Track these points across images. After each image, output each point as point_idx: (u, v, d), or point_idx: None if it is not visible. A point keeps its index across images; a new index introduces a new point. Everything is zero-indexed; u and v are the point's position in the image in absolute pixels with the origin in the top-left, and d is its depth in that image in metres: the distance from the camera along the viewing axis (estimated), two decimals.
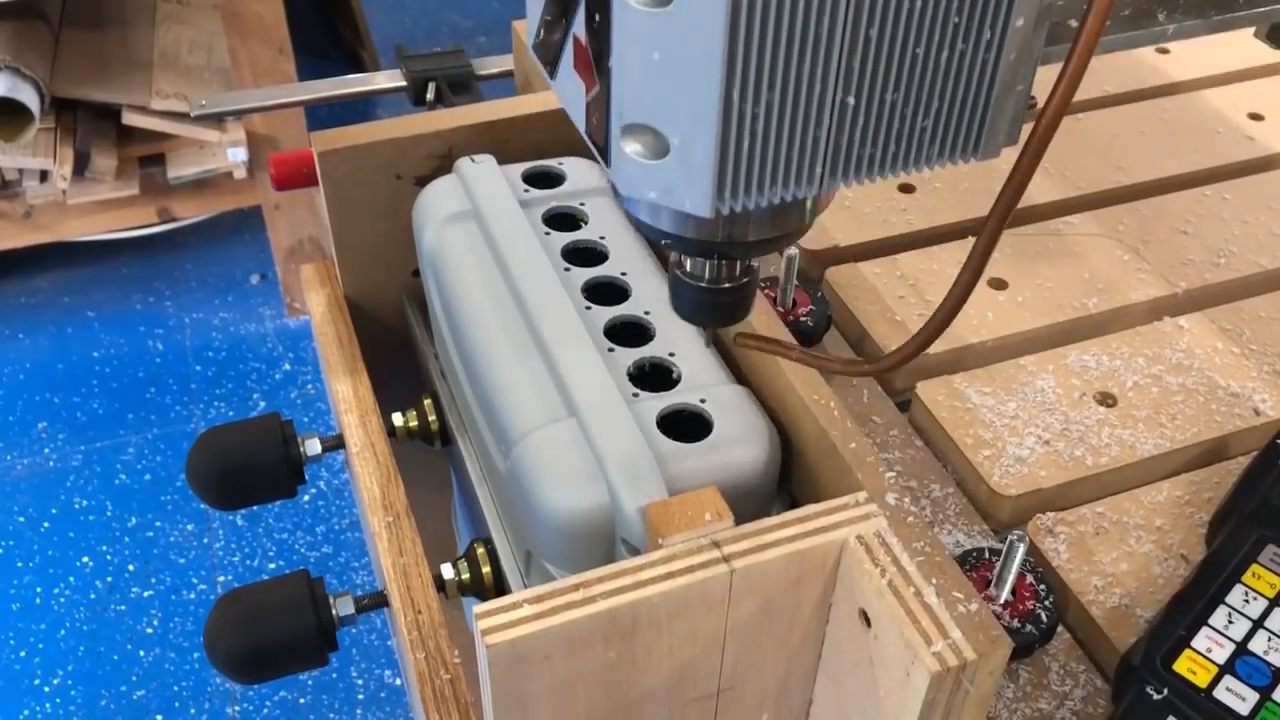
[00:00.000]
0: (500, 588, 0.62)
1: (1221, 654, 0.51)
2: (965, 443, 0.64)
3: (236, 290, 2.13)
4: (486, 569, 0.62)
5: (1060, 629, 0.57)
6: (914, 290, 0.74)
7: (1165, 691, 0.50)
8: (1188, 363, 0.69)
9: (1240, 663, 0.50)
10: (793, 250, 0.67)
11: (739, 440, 0.55)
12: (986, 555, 0.57)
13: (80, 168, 1.95)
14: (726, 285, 0.49)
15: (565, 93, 0.42)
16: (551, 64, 0.43)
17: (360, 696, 1.58)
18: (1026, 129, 0.40)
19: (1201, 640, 0.51)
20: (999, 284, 0.74)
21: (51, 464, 1.84)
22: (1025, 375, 0.68)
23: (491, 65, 0.94)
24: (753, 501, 0.55)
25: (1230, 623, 0.52)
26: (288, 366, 2.00)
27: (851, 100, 0.38)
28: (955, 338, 0.71)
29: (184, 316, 2.08)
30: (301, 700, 1.57)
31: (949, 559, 0.48)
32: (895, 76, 0.38)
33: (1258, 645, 0.51)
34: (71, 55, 1.96)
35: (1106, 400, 0.67)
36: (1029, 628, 0.54)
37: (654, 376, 0.59)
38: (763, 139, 0.38)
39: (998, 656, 0.45)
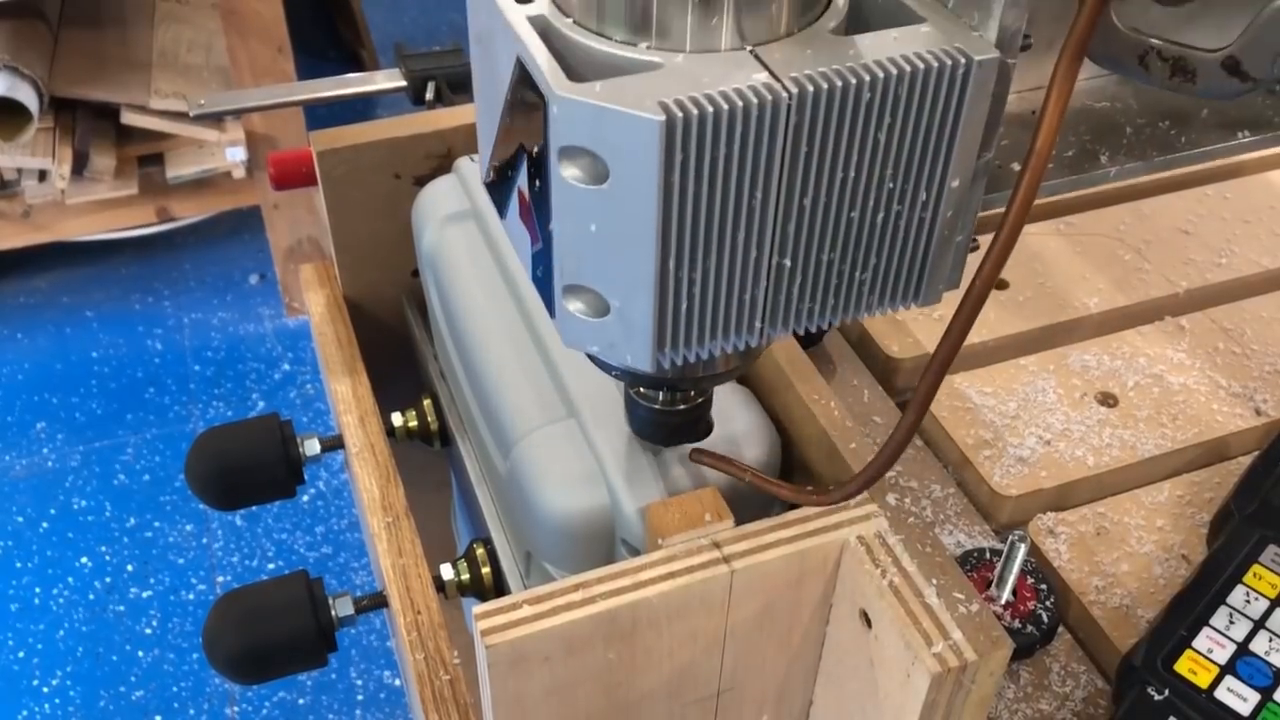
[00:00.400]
0: (500, 588, 0.61)
1: (1223, 654, 0.51)
2: (966, 443, 0.64)
3: (235, 290, 2.13)
4: (486, 570, 0.62)
5: (1061, 629, 0.57)
6: None
7: (1166, 692, 0.50)
8: (1188, 363, 0.69)
9: (1241, 663, 0.50)
10: None
11: (739, 440, 0.55)
12: (987, 556, 0.57)
13: (79, 167, 1.95)
14: (681, 408, 0.49)
15: (514, 236, 0.43)
16: (502, 206, 0.43)
17: (359, 697, 1.58)
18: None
19: (1202, 641, 0.51)
20: (999, 284, 0.74)
21: (50, 464, 1.84)
22: (1026, 375, 0.68)
23: None
24: (753, 502, 0.55)
25: (1231, 623, 0.52)
26: (287, 366, 2.00)
27: (788, 263, 0.39)
28: None
29: (183, 316, 2.08)
30: (301, 701, 1.57)
31: (949, 559, 0.48)
32: (831, 239, 0.39)
33: (1259, 646, 0.51)
34: (70, 54, 1.96)
35: (1107, 400, 0.67)
36: (1030, 628, 0.54)
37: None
38: (700, 301, 0.38)
39: (998, 657, 0.45)
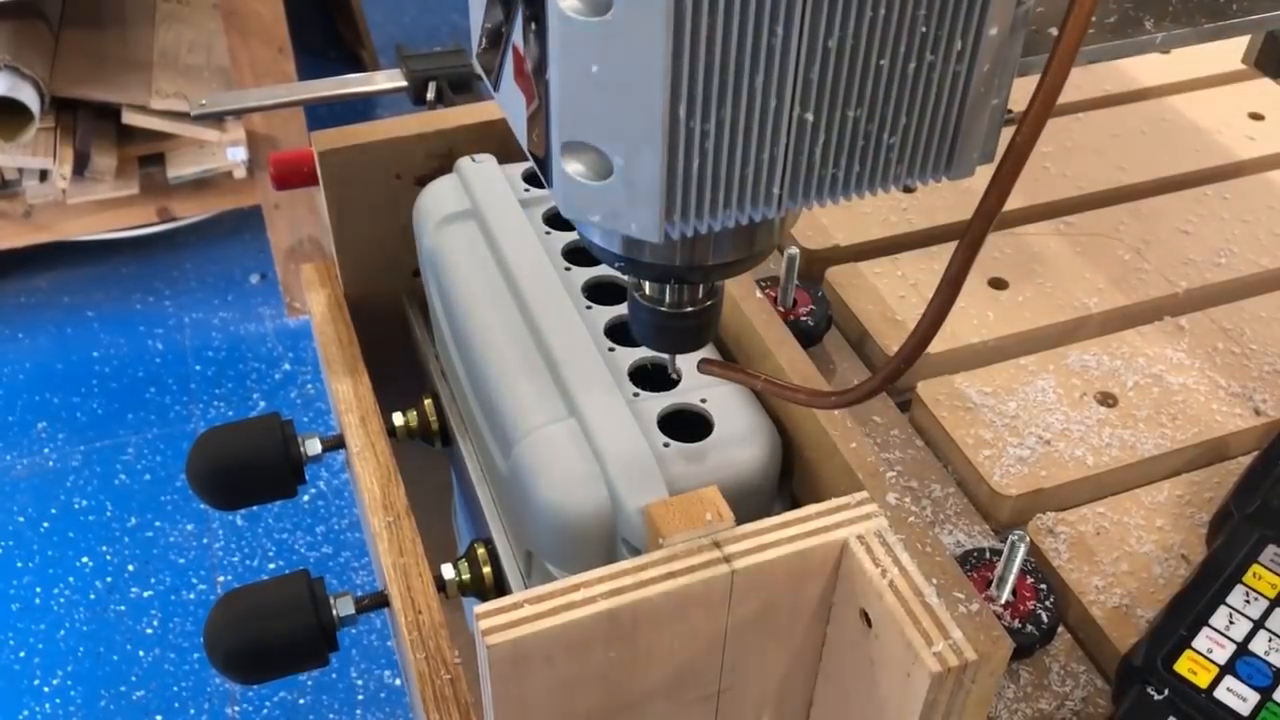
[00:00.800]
0: (501, 588, 0.62)
1: (1222, 654, 0.51)
2: (965, 443, 0.64)
3: (236, 290, 2.13)
4: (487, 569, 0.62)
5: (1061, 629, 0.57)
6: (914, 290, 0.73)
7: (1165, 692, 0.50)
8: (1188, 362, 0.69)
9: (1241, 663, 0.50)
10: (793, 250, 0.67)
11: (739, 440, 0.55)
12: (987, 555, 0.57)
13: (80, 167, 1.95)
14: (688, 310, 0.46)
15: (508, 105, 0.39)
16: (494, 75, 0.40)
17: (360, 697, 1.58)
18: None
19: (1202, 641, 0.51)
20: (999, 284, 0.74)
21: (51, 464, 1.84)
22: (1025, 375, 0.68)
23: None
24: (753, 501, 0.55)
25: (1231, 623, 0.52)
26: (287, 366, 2.00)
27: (810, 117, 0.35)
28: (955, 338, 0.71)
29: (184, 316, 2.08)
30: (301, 701, 1.57)
31: (949, 559, 0.48)
32: (857, 91, 0.35)
33: (1258, 646, 0.51)
34: (71, 55, 1.96)
35: (1107, 400, 0.67)
36: (1029, 628, 0.54)
37: (654, 376, 0.59)
38: (714, 159, 0.35)
39: (998, 657, 0.45)
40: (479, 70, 0.42)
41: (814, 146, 0.36)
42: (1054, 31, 0.36)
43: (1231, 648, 0.51)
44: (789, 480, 0.58)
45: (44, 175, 1.96)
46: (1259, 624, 0.52)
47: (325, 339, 0.74)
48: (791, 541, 0.47)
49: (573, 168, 0.36)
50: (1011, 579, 0.54)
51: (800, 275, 0.69)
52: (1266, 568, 0.54)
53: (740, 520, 0.48)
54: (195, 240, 2.21)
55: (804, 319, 0.69)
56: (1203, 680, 0.50)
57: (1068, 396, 0.67)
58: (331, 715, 1.56)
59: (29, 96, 1.82)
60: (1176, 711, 0.49)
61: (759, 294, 0.61)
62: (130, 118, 1.92)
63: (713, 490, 0.49)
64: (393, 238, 0.74)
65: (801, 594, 0.49)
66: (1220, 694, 0.49)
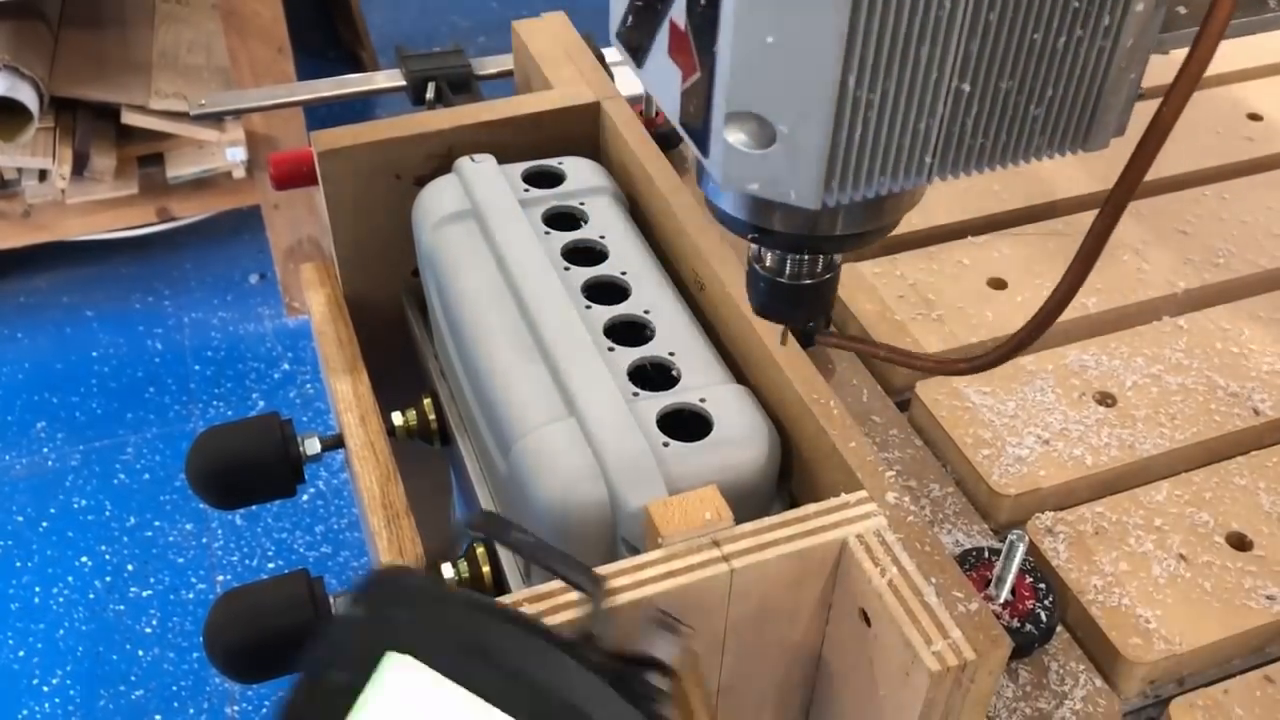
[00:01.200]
0: (500, 587, 0.62)
1: None
2: (965, 442, 0.64)
3: (235, 290, 2.13)
4: (486, 568, 0.62)
5: (1059, 628, 0.57)
6: (913, 290, 0.74)
7: None
8: (1187, 362, 0.69)
9: None
10: None
11: (739, 440, 0.55)
12: (986, 555, 0.57)
13: (79, 167, 1.95)
14: (807, 282, 0.48)
15: (655, 80, 0.41)
16: (639, 51, 0.41)
17: None
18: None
19: None
20: (999, 284, 0.74)
21: (50, 464, 1.84)
22: (1025, 375, 0.68)
23: (491, 65, 0.94)
24: (753, 501, 0.55)
25: None
26: (287, 366, 2.00)
27: (966, 87, 0.37)
28: (954, 338, 0.71)
29: (183, 316, 2.08)
30: None
31: (949, 558, 0.48)
32: (1011, 63, 0.37)
33: None
34: (70, 55, 1.96)
35: (1106, 400, 0.67)
36: (1028, 627, 0.54)
37: (654, 376, 0.59)
38: (875, 128, 0.37)
39: (997, 656, 0.45)
40: (619, 47, 0.43)
41: (966, 117, 0.38)
42: (1183, 10, 0.39)
43: None
44: (788, 480, 0.58)
45: (43, 175, 1.96)
46: None
47: (324, 339, 0.74)
48: (790, 541, 0.47)
49: (735, 137, 0.37)
50: (1010, 578, 0.54)
51: None
52: None
53: (739, 520, 0.48)
54: (195, 240, 2.21)
55: None
56: None
57: (1066, 396, 0.67)
58: None
59: (28, 96, 1.82)
60: None
61: None
62: (129, 118, 1.92)
63: (712, 490, 0.49)
64: (392, 238, 0.74)
65: (801, 594, 0.49)
66: None
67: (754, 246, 0.48)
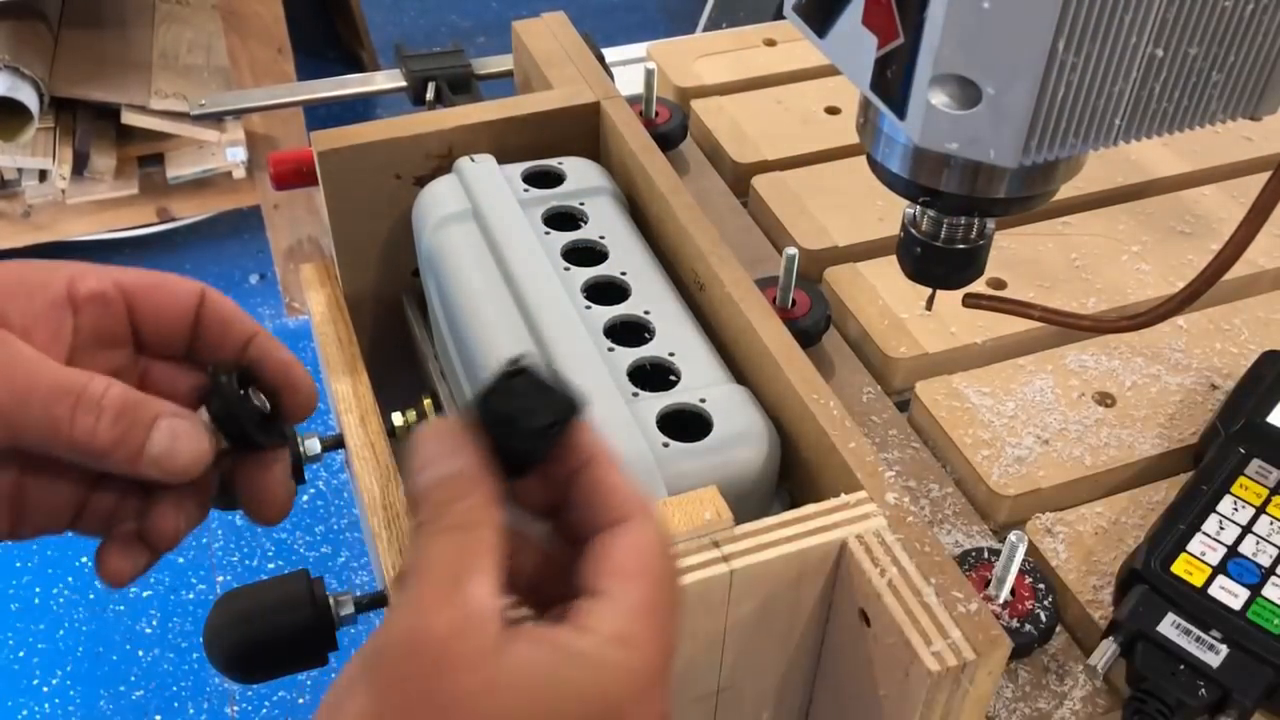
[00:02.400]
0: None
1: (1214, 556, 0.56)
2: (964, 442, 0.64)
3: (235, 290, 2.13)
4: None
5: (1059, 629, 0.57)
6: (913, 290, 0.73)
7: (1165, 591, 0.54)
8: (1186, 362, 0.69)
9: (1232, 564, 0.56)
10: (792, 250, 0.67)
11: (739, 440, 0.55)
12: (985, 555, 0.57)
13: (79, 167, 1.95)
14: (961, 246, 0.50)
15: (841, 50, 0.43)
16: (822, 22, 0.44)
17: None
18: None
19: (1196, 545, 0.56)
20: (998, 284, 0.74)
21: None
22: (1024, 375, 0.68)
23: (491, 65, 0.94)
24: (753, 501, 0.55)
25: (1221, 529, 0.57)
26: None
27: (1160, 53, 0.39)
28: (954, 338, 0.71)
29: None
30: (300, 700, 1.57)
31: (948, 559, 0.48)
32: (1201, 29, 0.40)
33: (1247, 548, 0.56)
34: (70, 55, 1.96)
35: (1105, 400, 0.67)
36: (1028, 627, 0.54)
37: (654, 376, 0.59)
38: (1075, 91, 0.39)
39: (997, 656, 0.45)
40: (796, 19, 0.46)
41: (1155, 81, 0.40)
42: None
43: (1223, 550, 0.56)
44: (788, 480, 0.58)
45: (43, 175, 1.96)
46: (1247, 528, 0.57)
47: (324, 339, 0.74)
48: (790, 541, 0.47)
49: (939, 99, 0.40)
50: (1010, 579, 0.54)
51: (799, 275, 0.69)
52: (1252, 479, 0.59)
53: (739, 520, 0.48)
54: (194, 240, 2.21)
55: (803, 319, 0.69)
56: (1197, 579, 0.55)
57: (1066, 396, 0.67)
58: None
59: (28, 96, 1.82)
60: (1175, 608, 0.54)
61: (758, 294, 0.61)
62: (129, 118, 1.92)
63: (712, 490, 0.49)
64: (392, 238, 0.74)
65: (800, 594, 0.49)
66: (1214, 591, 0.54)
67: (909, 212, 0.51)
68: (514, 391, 0.36)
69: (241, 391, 0.42)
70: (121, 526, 0.44)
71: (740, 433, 0.55)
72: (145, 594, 1.68)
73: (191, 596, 1.68)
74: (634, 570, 0.35)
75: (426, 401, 0.71)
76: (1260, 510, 0.58)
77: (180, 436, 0.40)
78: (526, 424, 0.35)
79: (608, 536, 0.36)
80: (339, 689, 0.33)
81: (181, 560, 1.72)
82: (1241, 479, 0.59)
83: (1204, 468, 0.60)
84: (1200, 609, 0.53)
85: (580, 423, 0.37)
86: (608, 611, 0.34)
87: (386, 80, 0.96)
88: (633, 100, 0.79)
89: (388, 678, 0.32)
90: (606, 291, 0.63)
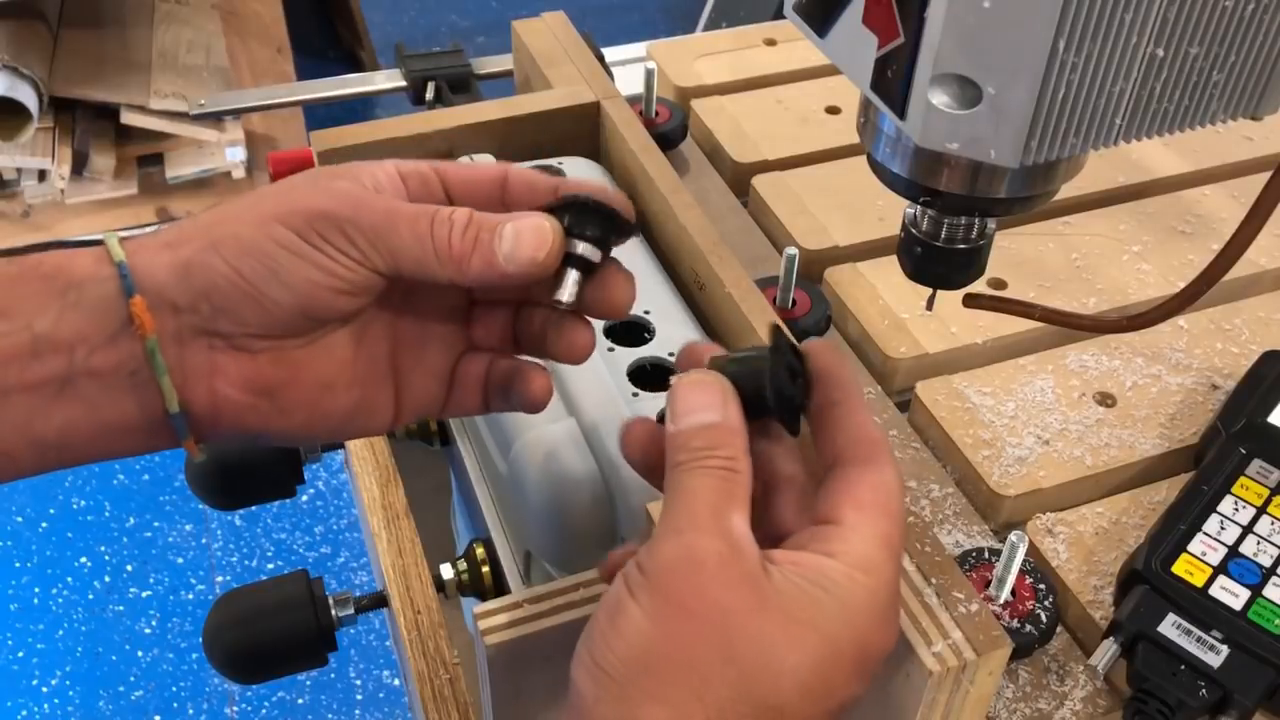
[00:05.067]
0: (500, 588, 0.62)
1: (1215, 556, 0.56)
2: (965, 443, 0.64)
3: None
4: (486, 569, 0.62)
5: (1060, 629, 0.57)
6: (913, 290, 0.73)
7: (1166, 591, 0.54)
8: (1187, 362, 0.69)
9: (1233, 564, 0.55)
10: (792, 250, 0.67)
11: None
12: (986, 555, 0.57)
13: (79, 167, 1.95)
14: (961, 246, 0.50)
15: (841, 50, 0.43)
16: (823, 21, 0.44)
17: (359, 697, 1.58)
18: None
19: (1197, 545, 0.56)
20: (998, 284, 0.74)
21: None
22: (1024, 375, 0.68)
23: (491, 65, 0.94)
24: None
25: (1222, 529, 0.57)
26: None
27: (1160, 52, 0.39)
28: (954, 338, 0.71)
29: None
30: (300, 700, 1.57)
31: (949, 559, 0.48)
32: (1202, 29, 0.40)
33: (1248, 548, 0.56)
34: (70, 55, 1.96)
35: (1105, 400, 0.67)
36: (1029, 628, 0.54)
37: (654, 376, 0.59)
38: (1075, 90, 0.39)
39: (997, 657, 0.45)
40: (796, 19, 0.45)
41: (1156, 81, 0.40)
42: None
43: (1223, 550, 0.56)
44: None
45: (43, 175, 1.96)
46: (1248, 529, 0.57)
47: None
48: None
49: (939, 99, 0.40)
50: (1010, 579, 0.54)
51: (800, 275, 0.69)
52: (1253, 479, 0.59)
53: None
54: None
55: (803, 319, 0.69)
56: (1198, 580, 0.55)
57: (1066, 396, 0.67)
58: (330, 715, 1.56)
59: (27, 96, 1.82)
60: (1176, 608, 0.54)
61: (758, 294, 0.61)
62: (129, 118, 1.92)
63: None
64: None
65: None
66: (1215, 591, 0.54)
67: (909, 212, 0.51)
68: (760, 356, 0.41)
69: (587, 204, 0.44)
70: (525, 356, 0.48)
71: None
72: (144, 594, 1.68)
73: (191, 597, 1.68)
74: (876, 505, 0.38)
75: None
76: (1261, 510, 0.58)
77: (523, 231, 0.42)
78: (775, 385, 0.40)
79: (853, 471, 0.39)
80: (609, 606, 0.37)
81: (181, 560, 1.72)
82: (1242, 479, 0.59)
83: (1205, 468, 0.60)
84: (1201, 609, 0.53)
85: (833, 361, 0.41)
86: (854, 539, 0.38)
87: (386, 80, 0.96)
88: (633, 100, 0.79)
89: (667, 589, 0.36)
90: None
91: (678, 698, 0.35)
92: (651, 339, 0.60)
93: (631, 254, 0.65)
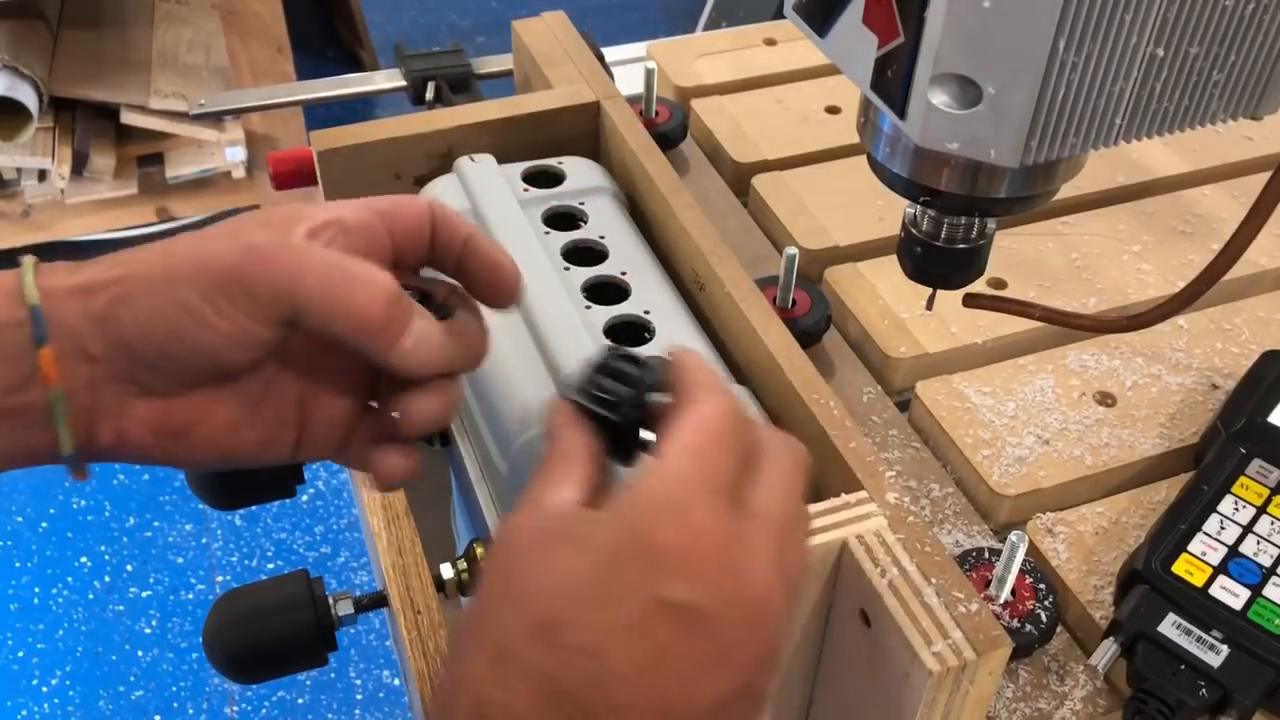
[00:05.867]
0: None
1: (1215, 556, 0.56)
2: (965, 442, 0.64)
3: None
4: None
5: (1060, 629, 0.57)
6: (913, 290, 0.73)
7: (1166, 591, 0.54)
8: (1187, 362, 0.69)
9: (1233, 564, 0.56)
10: (792, 250, 0.67)
11: None
12: (986, 555, 0.57)
13: (79, 167, 1.95)
14: (961, 246, 0.50)
15: (841, 49, 0.43)
16: (823, 21, 0.44)
17: (359, 697, 1.58)
18: None
19: (1197, 544, 0.56)
20: (998, 284, 0.74)
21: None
22: (1025, 375, 0.68)
23: (491, 64, 0.94)
24: None
25: (1222, 529, 0.57)
26: None
27: (1160, 52, 0.40)
28: (954, 338, 0.71)
29: None
30: (300, 700, 1.57)
31: (949, 559, 0.48)
32: (1202, 29, 0.40)
33: (1248, 548, 0.56)
34: (70, 55, 1.96)
35: (1105, 400, 0.67)
36: (1028, 628, 0.54)
37: None
38: (1075, 90, 0.39)
39: (997, 657, 0.45)
40: (796, 19, 0.46)
41: (1156, 81, 0.41)
42: None
43: (1223, 550, 0.56)
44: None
45: (43, 175, 1.96)
46: (1248, 528, 0.57)
47: None
48: None
49: (939, 99, 0.40)
50: (1010, 579, 0.54)
51: (800, 275, 0.69)
52: (1252, 479, 0.59)
53: None
54: None
55: (803, 319, 0.69)
56: (1198, 579, 0.55)
57: (1066, 396, 0.67)
58: (330, 715, 1.56)
59: (27, 96, 1.82)
60: (1176, 608, 0.54)
61: (758, 294, 0.61)
62: (129, 117, 1.92)
63: None
64: None
65: (801, 594, 0.49)
66: (1215, 591, 0.54)
67: (909, 212, 0.51)
68: (606, 374, 0.42)
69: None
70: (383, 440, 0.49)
71: None
72: (144, 594, 1.68)
73: (191, 597, 1.68)
74: (684, 430, 0.39)
75: None
76: (1261, 510, 0.58)
77: (424, 337, 0.44)
78: (617, 406, 0.42)
79: (676, 414, 0.40)
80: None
81: (181, 560, 1.72)
82: (1242, 479, 0.59)
83: (1205, 468, 0.60)
84: (1201, 609, 0.53)
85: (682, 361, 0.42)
86: (653, 464, 0.38)
87: (386, 80, 0.96)
88: (633, 100, 0.79)
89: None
90: (606, 291, 0.63)
91: (469, 649, 0.36)
92: (652, 339, 0.60)
93: (631, 254, 0.65)
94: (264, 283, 0.41)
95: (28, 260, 0.42)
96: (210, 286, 0.41)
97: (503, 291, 0.49)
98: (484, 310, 0.49)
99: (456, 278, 0.49)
